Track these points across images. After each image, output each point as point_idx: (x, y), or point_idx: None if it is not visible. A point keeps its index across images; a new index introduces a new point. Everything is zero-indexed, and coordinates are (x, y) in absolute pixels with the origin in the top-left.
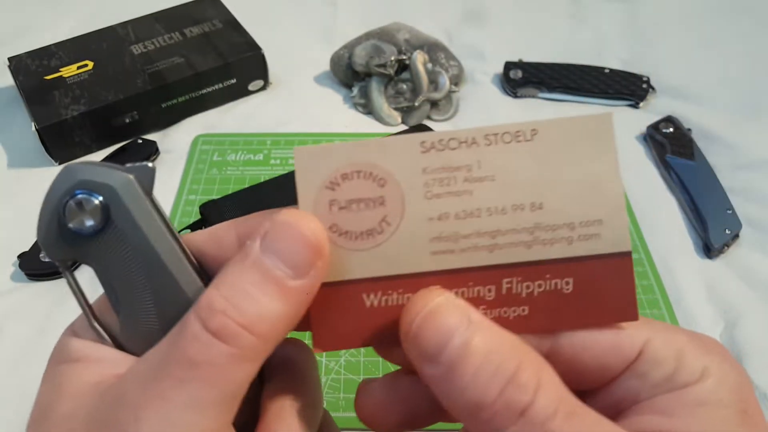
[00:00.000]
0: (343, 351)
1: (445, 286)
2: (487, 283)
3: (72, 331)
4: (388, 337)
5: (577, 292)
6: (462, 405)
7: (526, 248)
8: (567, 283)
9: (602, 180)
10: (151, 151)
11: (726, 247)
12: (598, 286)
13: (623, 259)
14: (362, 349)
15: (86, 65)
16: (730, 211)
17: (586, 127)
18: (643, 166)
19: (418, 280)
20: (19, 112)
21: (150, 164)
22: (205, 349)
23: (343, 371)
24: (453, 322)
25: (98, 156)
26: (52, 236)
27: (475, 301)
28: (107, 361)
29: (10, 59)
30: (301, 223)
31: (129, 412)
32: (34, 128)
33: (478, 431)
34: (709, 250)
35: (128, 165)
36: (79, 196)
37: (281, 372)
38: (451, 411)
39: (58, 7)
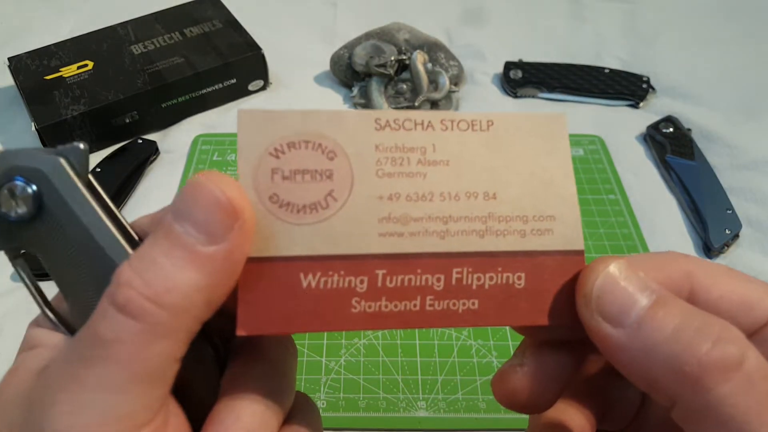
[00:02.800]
0: (344, 351)
1: (392, 272)
2: (436, 272)
3: (35, 321)
4: (324, 324)
5: (529, 288)
6: (658, 363)
7: (479, 237)
8: (519, 278)
9: (555, 177)
10: (151, 151)
11: (726, 247)
12: (548, 284)
13: (576, 257)
14: (362, 349)
15: (86, 65)
16: (729, 211)
17: (541, 125)
18: (643, 166)
19: (362, 263)
20: (20, 112)
21: (81, 145)
22: (112, 326)
23: (343, 371)
24: (637, 284)
25: (98, 156)
26: None
27: (423, 291)
28: (55, 348)
29: (10, 59)
30: (211, 183)
31: (49, 395)
32: (34, 128)
33: (675, 392)
34: (709, 249)
35: (59, 147)
36: (10, 183)
37: (246, 354)
38: (635, 373)
39: (59, 8)
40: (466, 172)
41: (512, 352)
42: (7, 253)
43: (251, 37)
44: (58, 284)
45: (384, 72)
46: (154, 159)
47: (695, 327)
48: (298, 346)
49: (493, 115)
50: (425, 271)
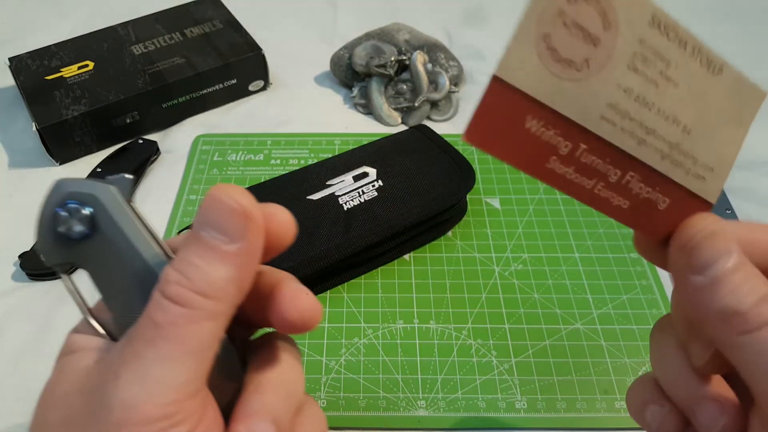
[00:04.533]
0: (344, 350)
1: (591, 150)
2: (617, 167)
3: (75, 329)
4: (522, 163)
5: (666, 212)
6: (717, 311)
7: (660, 158)
8: (665, 202)
9: (729, 142)
10: (152, 151)
11: None
12: (679, 216)
13: (706, 206)
14: (362, 349)
15: (87, 65)
16: (729, 211)
17: (747, 94)
18: None
19: (576, 132)
20: (20, 112)
21: (128, 176)
22: (165, 312)
23: (344, 370)
24: (726, 247)
25: (99, 156)
26: (48, 243)
27: (601, 176)
28: (99, 349)
29: (10, 59)
30: (225, 194)
31: (110, 373)
32: (34, 128)
33: (724, 334)
34: None
35: (109, 177)
36: (69, 205)
37: (261, 355)
38: (701, 316)
39: (59, 8)
40: (684, 101)
41: (511, 352)
42: (59, 267)
43: (251, 38)
44: (104, 293)
45: (384, 72)
46: (155, 159)
47: (748, 288)
48: (298, 346)
49: (728, 67)
50: (611, 163)
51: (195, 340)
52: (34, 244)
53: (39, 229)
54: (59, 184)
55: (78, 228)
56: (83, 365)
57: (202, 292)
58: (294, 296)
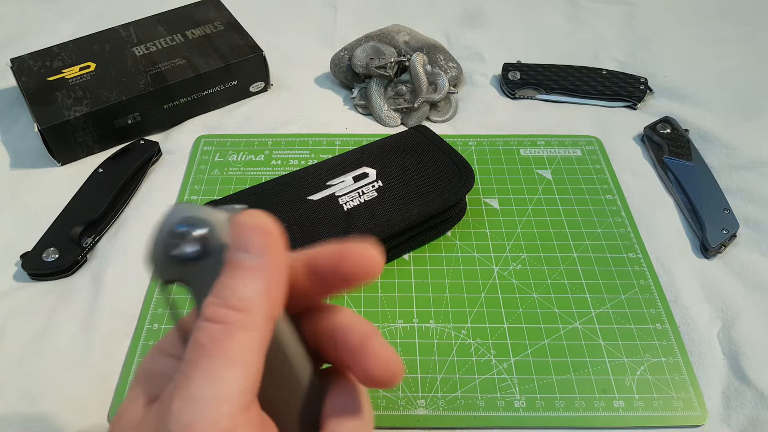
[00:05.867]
0: None
1: None
2: None
3: (157, 348)
4: None
5: None
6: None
7: None
8: None
9: None
10: (153, 151)
11: (723, 247)
12: None
13: None
14: None
15: (88, 66)
16: (727, 211)
17: None
18: (641, 166)
19: None
20: (22, 113)
21: (238, 206)
22: (205, 332)
23: None
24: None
25: (101, 157)
26: (161, 259)
27: None
28: (166, 376)
29: (12, 60)
30: (246, 217)
31: (168, 398)
32: (36, 129)
33: None
34: (706, 249)
35: (223, 206)
36: (185, 228)
37: (340, 395)
38: None
39: (61, 9)
40: None
41: (510, 351)
42: (166, 281)
43: (252, 39)
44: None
45: (384, 74)
46: (156, 160)
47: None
48: None
49: None
50: None
51: (235, 353)
52: (38, 244)
53: (155, 246)
54: (179, 208)
55: (190, 249)
56: (153, 394)
57: (235, 307)
58: (385, 356)
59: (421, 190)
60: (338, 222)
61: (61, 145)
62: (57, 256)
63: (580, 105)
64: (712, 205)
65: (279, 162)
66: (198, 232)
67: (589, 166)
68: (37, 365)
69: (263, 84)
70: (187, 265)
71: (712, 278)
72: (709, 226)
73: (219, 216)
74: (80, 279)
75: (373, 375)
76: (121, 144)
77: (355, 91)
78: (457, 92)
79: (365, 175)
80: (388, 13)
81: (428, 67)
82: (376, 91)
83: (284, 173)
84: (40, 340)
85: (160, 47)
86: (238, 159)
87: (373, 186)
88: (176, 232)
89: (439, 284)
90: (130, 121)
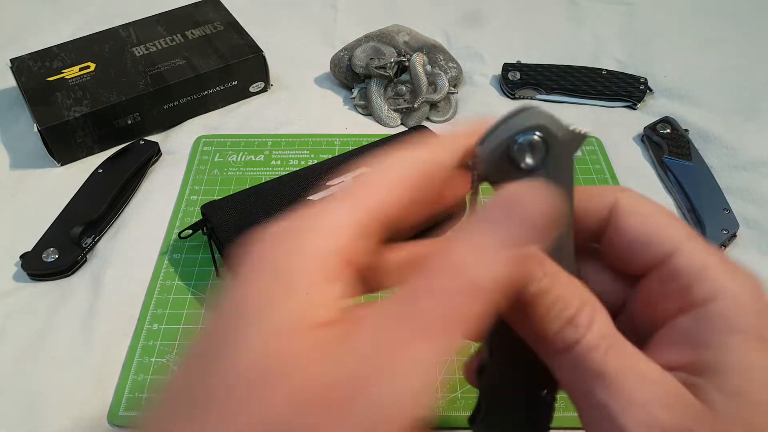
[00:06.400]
0: None
1: None
2: None
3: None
4: None
5: None
6: (529, 336)
7: None
8: None
9: None
10: (153, 152)
11: (723, 247)
12: None
13: None
14: None
15: (88, 67)
16: (727, 212)
17: None
18: (641, 167)
19: None
20: (22, 113)
21: (585, 131)
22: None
23: None
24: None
25: (100, 157)
26: (495, 158)
27: None
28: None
29: (12, 60)
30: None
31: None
32: (36, 129)
33: (543, 355)
34: None
35: (571, 127)
36: (531, 136)
37: None
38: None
39: (61, 9)
40: None
41: None
42: (482, 180)
43: (252, 39)
44: None
45: (383, 74)
46: (156, 160)
47: (554, 314)
48: None
49: None
50: None
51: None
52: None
53: (492, 139)
54: (537, 114)
55: (528, 160)
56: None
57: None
58: None
59: None
60: None
61: (61, 146)
62: (57, 256)
63: (579, 105)
64: (712, 205)
65: (279, 162)
66: (544, 148)
67: (589, 166)
68: (36, 365)
69: (263, 84)
70: (514, 172)
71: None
72: (709, 226)
73: (570, 135)
74: (80, 279)
75: None
76: (120, 144)
77: (355, 92)
78: (457, 92)
79: None
80: (388, 13)
81: (428, 67)
82: (376, 91)
83: (284, 173)
84: (39, 340)
85: (159, 47)
86: (238, 159)
87: None
88: (525, 138)
89: None
90: (129, 122)
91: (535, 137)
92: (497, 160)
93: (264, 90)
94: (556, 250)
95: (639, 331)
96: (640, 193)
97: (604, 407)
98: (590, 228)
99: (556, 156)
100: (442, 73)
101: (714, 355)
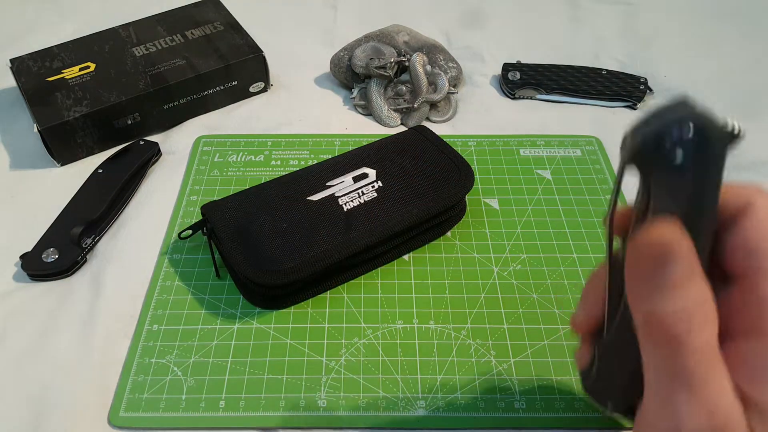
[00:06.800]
0: (344, 350)
1: None
2: None
3: None
4: None
5: None
6: (643, 311)
7: None
8: None
9: None
10: (153, 152)
11: None
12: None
13: None
14: (362, 349)
15: (88, 67)
16: None
17: None
18: None
19: None
20: (22, 113)
21: (742, 131)
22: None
23: (344, 371)
24: (679, 258)
25: (101, 157)
26: (649, 147)
27: None
28: None
29: (12, 60)
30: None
31: None
32: (36, 129)
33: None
34: None
35: (728, 125)
36: (685, 132)
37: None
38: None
39: (61, 9)
40: None
41: (510, 352)
42: (629, 163)
43: (252, 40)
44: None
45: (383, 74)
46: (156, 160)
47: (680, 306)
48: (298, 346)
49: None
50: None
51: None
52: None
53: (647, 129)
54: (689, 108)
55: (673, 156)
56: None
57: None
58: None
59: (421, 191)
60: (338, 222)
61: (61, 146)
62: (57, 256)
63: (579, 105)
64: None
65: (279, 162)
66: (691, 143)
67: (588, 167)
68: (36, 366)
69: (263, 84)
70: (655, 167)
71: None
72: None
73: (723, 143)
74: (80, 280)
75: None
76: (120, 144)
77: (355, 92)
78: (456, 92)
79: (365, 176)
80: (388, 13)
81: (428, 67)
82: (375, 91)
83: (284, 173)
84: (39, 340)
85: (159, 48)
86: (238, 159)
87: (372, 186)
88: (674, 131)
89: (439, 285)
90: (129, 122)
91: (689, 134)
92: (648, 151)
93: (264, 90)
94: (699, 242)
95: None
96: None
97: (676, 403)
98: (721, 221)
99: (708, 154)
100: (442, 73)
101: (762, 395)
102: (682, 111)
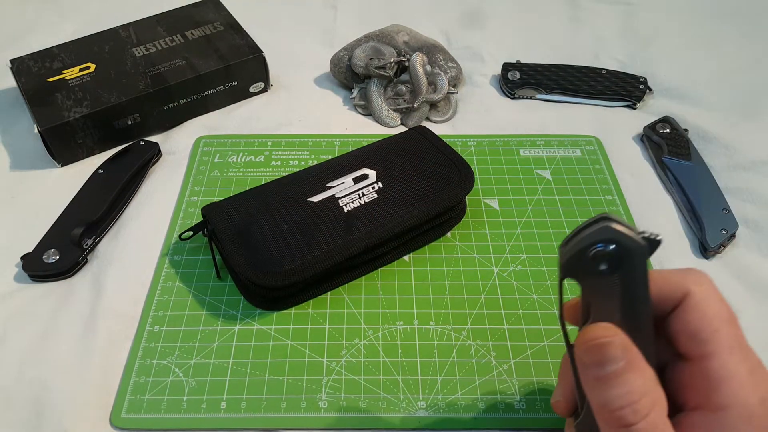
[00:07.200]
0: (344, 351)
1: None
2: None
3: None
4: None
5: None
6: (596, 401)
7: None
8: None
9: None
10: (153, 152)
11: (722, 247)
12: None
13: None
14: (362, 350)
15: (88, 67)
16: (726, 212)
17: None
18: (640, 166)
19: None
20: (22, 114)
21: (659, 238)
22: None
23: (344, 372)
24: (613, 353)
25: (101, 158)
26: (574, 262)
27: None
28: None
29: (12, 61)
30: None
31: None
32: (36, 130)
33: (600, 421)
34: (705, 250)
35: (642, 234)
36: (605, 247)
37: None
38: (593, 398)
39: (61, 9)
40: None
41: (510, 353)
42: (564, 276)
43: (252, 40)
44: (583, 314)
45: (383, 74)
46: (156, 160)
47: (621, 394)
48: (299, 347)
49: None
50: None
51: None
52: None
53: (576, 248)
54: (608, 229)
55: (602, 266)
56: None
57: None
58: None
59: (421, 192)
60: (338, 224)
61: (61, 146)
62: (57, 257)
63: (579, 105)
64: (712, 205)
65: (279, 163)
66: (614, 253)
67: (588, 166)
68: (37, 367)
69: (263, 84)
70: (590, 276)
71: (711, 279)
72: (709, 226)
73: (640, 251)
74: (81, 280)
75: None
76: (121, 145)
77: (355, 92)
78: (456, 92)
79: (365, 177)
80: (388, 13)
81: (428, 67)
82: (375, 91)
83: (284, 174)
84: (40, 341)
85: (159, 48)
86: (238, 160)
87: (373, 187)
88: (596, 248)
89: (439, 285)
90: (130, 122)
91: (609, 248)
92: (576, 264)
93: (264, 90)
94: (638, 333)
95: (670, 395)
96: (713, 285)
97: None
98: (663, 309)
99: (628, 263)
100: (442, 73)
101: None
102: (602, 230)
